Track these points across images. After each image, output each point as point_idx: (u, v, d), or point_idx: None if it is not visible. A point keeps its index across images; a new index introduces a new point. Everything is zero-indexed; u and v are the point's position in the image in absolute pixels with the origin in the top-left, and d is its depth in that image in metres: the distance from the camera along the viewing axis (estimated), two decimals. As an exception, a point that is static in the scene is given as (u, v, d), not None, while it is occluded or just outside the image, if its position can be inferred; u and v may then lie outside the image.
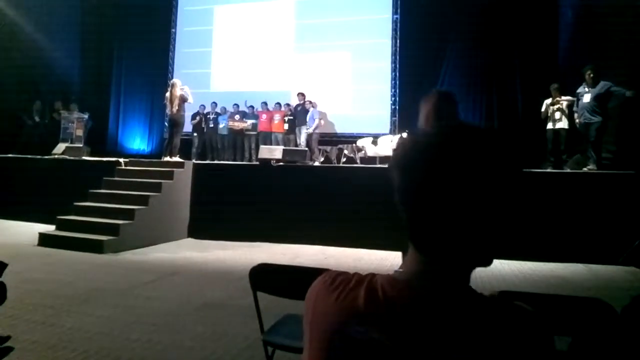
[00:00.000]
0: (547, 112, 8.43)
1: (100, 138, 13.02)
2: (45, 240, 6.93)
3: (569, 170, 7.74)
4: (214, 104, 11.69)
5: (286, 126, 10.82)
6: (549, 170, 7.92)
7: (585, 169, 7.46)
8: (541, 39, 9.76)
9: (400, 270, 0.76)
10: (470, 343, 0.65)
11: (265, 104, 11.20)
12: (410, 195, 0.71)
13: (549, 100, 8.44)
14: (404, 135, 3.39)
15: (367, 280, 0.74)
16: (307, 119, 10.54)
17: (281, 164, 8.48)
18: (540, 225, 6.37)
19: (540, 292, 2.10)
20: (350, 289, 0.74)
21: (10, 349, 3.18)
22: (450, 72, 10.75)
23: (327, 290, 0.76)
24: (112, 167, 8.63)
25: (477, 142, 0.70)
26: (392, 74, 11.25)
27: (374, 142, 9.80)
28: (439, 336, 0.67)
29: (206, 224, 8.09)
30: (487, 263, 0.72)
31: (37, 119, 11.99)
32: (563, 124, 8.32)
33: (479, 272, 5.59)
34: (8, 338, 3.23)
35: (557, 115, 8.36)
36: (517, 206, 0.69)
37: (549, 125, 8.42)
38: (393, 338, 0.67)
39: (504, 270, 6.04)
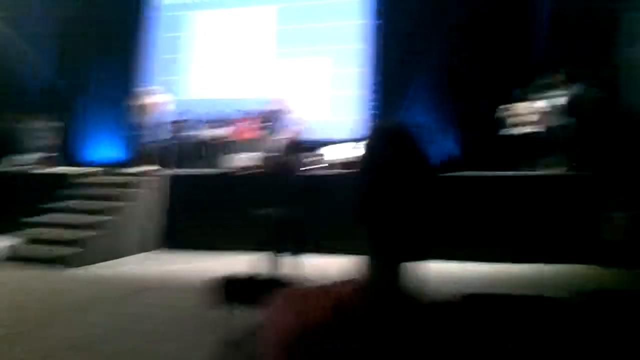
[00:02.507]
0: (518, 115, 8.46)
1: (70, 147, 12.69)
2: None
3: (538, 173, 7.76)
4: (189, 111, 11.48)
5: (261, 133, 10.68)
6: (519, 173, 7.93)
7: (555, 171, 7.54)
8: (513, 40, 9.81)
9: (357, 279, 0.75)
10: (425, 348, 0.69)
11: (238, 110, 11.06)
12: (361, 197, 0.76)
13: (520, 103, 8.48)
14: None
15: (328, 292, 0.73)
16: (283, 126, 10.40)
17: (255, 171, 8.34)
18: (508, 227, 6.80)
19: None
20: (311, 302, 0.72)
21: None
22: (426, 76, 10.75)
23: (286, 306, 0.73)
24: (81, 177, 8.41)
25: (401, 142, 0.77)
26: (371, 79, 11.20)
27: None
28: (401, 344, 0.68)
29: (178, 234, 7.93)
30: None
31: None
32: (534, 127, 8.37)
33: (440, 275, 5.58)
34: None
35: (529, 118, 8.40)
36: (437, 202, 0.74)
37: (520, 129, 8.45)
38: (359, 348, 0.66)
39: (466, 273, 6.22)
